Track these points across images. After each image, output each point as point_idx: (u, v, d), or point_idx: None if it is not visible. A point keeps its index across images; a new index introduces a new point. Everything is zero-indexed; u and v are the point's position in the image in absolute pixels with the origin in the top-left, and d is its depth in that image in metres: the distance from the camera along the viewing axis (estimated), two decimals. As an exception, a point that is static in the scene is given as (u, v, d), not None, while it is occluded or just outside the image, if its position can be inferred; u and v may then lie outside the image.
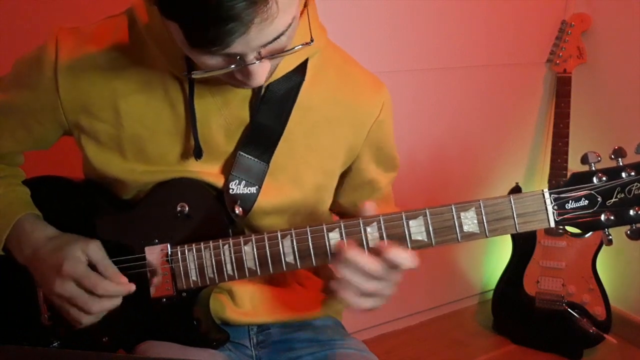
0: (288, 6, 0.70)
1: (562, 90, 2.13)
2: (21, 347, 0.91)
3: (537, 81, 2.32)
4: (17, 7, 1.53)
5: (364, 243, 0.85)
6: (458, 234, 0.84)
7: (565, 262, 2.08)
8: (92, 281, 0.90)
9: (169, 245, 0.94)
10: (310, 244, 0.87)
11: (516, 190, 2.08)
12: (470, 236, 0.84)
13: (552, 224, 0.82)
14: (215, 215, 0.94)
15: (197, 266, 0.92)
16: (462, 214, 0.83)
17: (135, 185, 0.96)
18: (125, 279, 0.92)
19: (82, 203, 1.01)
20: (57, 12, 1.54)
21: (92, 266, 0.92)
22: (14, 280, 1.00)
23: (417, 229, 0.85)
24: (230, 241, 0.90)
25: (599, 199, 0.81)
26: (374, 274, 0.83)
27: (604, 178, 0.81)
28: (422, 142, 2.14)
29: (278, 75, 0.89)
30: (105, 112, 0.91)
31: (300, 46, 0.76)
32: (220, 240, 0.91)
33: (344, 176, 1.04)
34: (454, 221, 0.84)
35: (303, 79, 0.92)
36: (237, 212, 0.93)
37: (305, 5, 0.87)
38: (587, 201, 0.81)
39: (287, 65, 0.89)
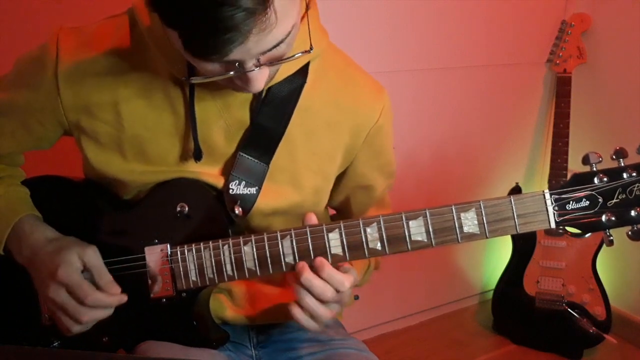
0: (287, 15, 0.70)
1: (562, 90, 2.13)
2: (21, 347, 0.91)
3: (537, 81, 2.32)
4: (17, 7, 1.53)
5: (329, 257, 0.87)
6: (458, 235, 0.84)
7: (565, 262, 2.08)
8: (84, 291, 0.89)
9: (168, 246, 0.94)
10: (310, 245, 0.87)
11: (516, 190, 2.08)
12: (470, 237, 0.84)
13: (553, 225, 0.82)
14: (215, 215, 0.94)
15: (196, 266, 0.92)
16: (462, 214, 0.83)
17: (135, 185, 0.96)
18: (118, 290, 0.92)
19: (82, 203, 1.01)
20: (58, 12, 1.54)
21: (88, 272, 0.92)
22: (14, 280, 0.99)
23: (417, 229, 0.85)
24: (230, 241, 0.90)
25: (600, 200, 0.81)
26: (324, 298, 0.86)
27: (605, 179, 0.81)
28: (422, 142, 2.14)
29: (280, 77, 0.89)
30: (106, 112, 0.91)
31: (300, 54, 0.77)
32: (220, 241, 0.91)
33: (339, 179, 1.04)
34: (454, 222, 0.84)
35: (305, 82, 0.92)
36: (237, 212, 0.93)
37: (307, 9, 0.88)
38: (588, 202, 0.81)
39: (288, 68, 0.89)
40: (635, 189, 0.80)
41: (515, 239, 2.18)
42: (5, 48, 1.32)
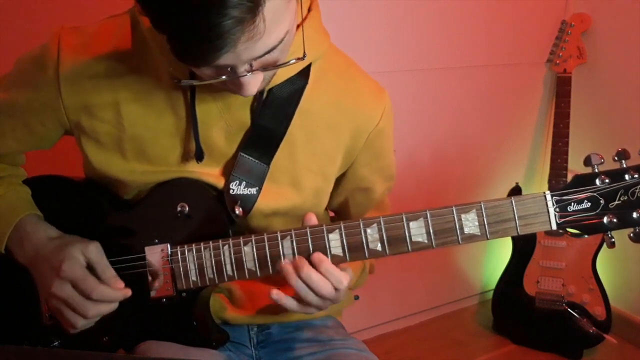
0: (278, 22, 0.70)
1: (562, 90, 2.12)
2: (21, 347, 0.91)
3: (537, 81, 2.32)
4: (17, 7, 1.53)
5: (329, 254, 0.87)
6: (459, 236, 0.84)
7: (565, 262, 2.08)
8: (89, 285, 0.89)
9: (169, 246, 0.93)
10: (310, 245, 0.87)
11: (516, 190, 2.08)
12: (471, 238, 0.84)
13: (554, 227, 0.82)
14: (216, 215, 0.94)
15: (197, 266, 0.92)
16: (463, 215, 0.83)
17: (136, 185, 0.96)
18: (122, 284, 0.92)
19: (82, 203, 1.01)
20: (58, 12, 1.54)
21: (91, 268, 0.92)
22: (15, 280, 0.99)
23: (417, 230, 0.85)
24: (230, 241, 0.90)
25: (601, 201, 0.81)
26: (322, 293, 0.87)
27: (607, 180, 0.80)
28: (422, 142, 2.14)
29: (281, 79, 0.89)
30: (107, 112, 0.91)
31: (293, 60, 0.77)
32: (220, 241, 0.91)
33: (338, 181, 1.04)
34: (455, 223, 0.83)
35: (306, 83, 0.92)
36: (237, 212, 0.93)
37: (309, 11, 0.87)
38: (589, 203, 0.81)
39: (290, 69, 0.89)
40: (638, 190, 0.79)
41: (515, 239, 2.18)
42: (6, 48, 1.32)
